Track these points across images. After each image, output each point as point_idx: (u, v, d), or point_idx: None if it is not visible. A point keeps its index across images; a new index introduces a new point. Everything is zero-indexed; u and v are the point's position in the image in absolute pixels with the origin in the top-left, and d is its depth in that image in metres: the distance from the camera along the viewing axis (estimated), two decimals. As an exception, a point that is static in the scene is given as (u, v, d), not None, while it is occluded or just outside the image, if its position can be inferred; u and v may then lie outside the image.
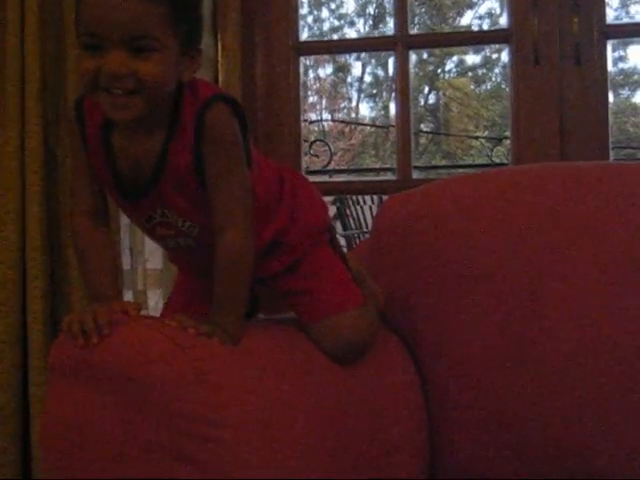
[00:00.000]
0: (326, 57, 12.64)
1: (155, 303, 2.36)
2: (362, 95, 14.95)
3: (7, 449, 2.22)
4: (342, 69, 14.64)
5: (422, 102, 13.89)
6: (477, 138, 13.37)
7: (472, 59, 14.32)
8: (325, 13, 15.27)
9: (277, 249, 1.50)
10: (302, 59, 2.56)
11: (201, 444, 1.17)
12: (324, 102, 14.64)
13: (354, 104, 15.16)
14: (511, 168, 2.28)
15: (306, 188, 1.59)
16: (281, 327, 1.53)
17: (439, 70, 14.71)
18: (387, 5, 14.32)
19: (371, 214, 6.65)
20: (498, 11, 14.36)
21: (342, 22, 15.20)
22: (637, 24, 3.95)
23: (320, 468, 1.33)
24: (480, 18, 14.94)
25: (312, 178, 2.00)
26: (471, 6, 14.83)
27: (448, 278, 1.66)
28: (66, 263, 2.27)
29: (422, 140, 12.80)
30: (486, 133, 13.99)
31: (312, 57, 11.59)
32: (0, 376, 2.20)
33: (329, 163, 7.50)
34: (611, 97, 2.40)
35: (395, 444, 1.54)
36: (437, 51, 12.12)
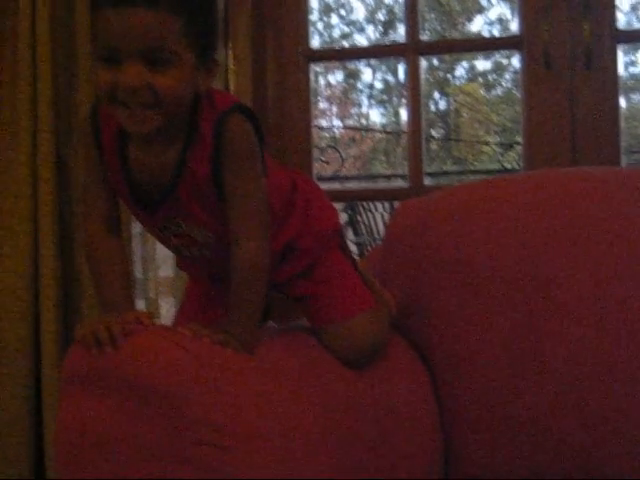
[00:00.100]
0: (336, 63, 12.64)
1: (167, 311, 2.36)
2: (372, 101, 14.95)
3: (21, 457, 2.22)
4: (352, 75, 14.65)
5: (432, 108, 13.87)
6: (488, 144, 13.34)
7: (482, 64, 14.30)
8: (335, 19, 15.27)
9: (290, 254, 1.50)
10: (312, 66, 2.56)
11: (215, 452, 1.17)
12: (334, 108, 14.64)
13: (364, 110, 15.16)
14: (522, 174, 2.27)
15: (317, 193, 1.60)
16: (294, 334, 1.54)
17: (449, 76, 14.70)
18: (397, 11, 14.31)
19: (382, 221, 6.65)
20: (508, 16, 14.35)
21: (352, 28, 15.21)
22: (648, 28, 3.94)
23: (331, 476, 1.33)
24: (490, 24, 14.93)
25: (323, 185, 2.00)
26: (481, 11, 14.82)
27: (460, 283, 1.67)
28: (78, 272, 2.27)
29: (433, 146, 12.78)
30: (497, 138, 13.98)
31: (322, 64, 11.60)
32: (13, 384, 2.21)
33: (340, 169, 7.50)
34: (622, 102, 2.39)
35: (408, 449, 1.54)
36: (447, 57, 12.11)
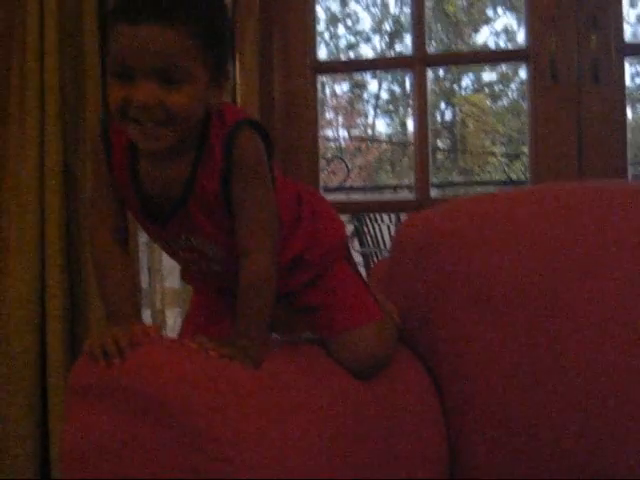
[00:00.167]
0: (343, 74, 12.67)
1: (173, 322, 2.36)
2: (378, 111, 14.96)
3: (27, 467, 2.22)
4: (358, 85, 14.66)
5: (438, 118, 13.88)
6: (494, 155, 13.34)
7: (488, 75, 14.31)
8: (341, 30, 15.29)
9: (297, 266, 1.50)
10: (319, 77, 2.56)
11: (220, 466, 1.17)
12: (340, 118, 14.65)
13: (370, 120, 15.17)
14: (529, 188, 2.27)
15: (323, 205, 1.60)
16: (300, 347, 1.54)
17: (455, 86, 14.71)
18: (403, 21, 14.33)
19: (389, 232, 6.66)
20: (514, 27, 14.36)
21: (358, 38, 15.23)
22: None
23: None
24: (496, 34, 14.94)
25: (329, 195, 2.01)
26: (487, 22, 14.83)
27: (467, 296, 1.66)
28: (85, 282, 2.27)
29: (439, 156, 12.79)
30: (502, 149, 13.98)
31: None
32: (19, 395, 2.21)
33: (346, 180, 7.50)
34: (629, 113, 2.39)
35: (413, 461, 1.54)
36: (453, 67, 12.14)
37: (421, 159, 2.46)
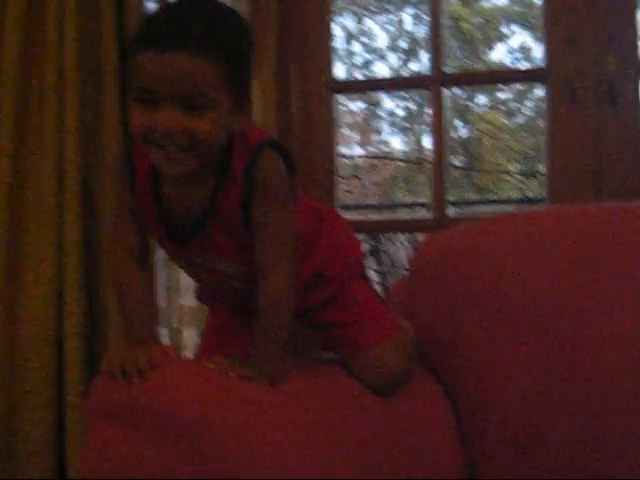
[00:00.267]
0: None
1: (190, 341, 2.36)
2: (394, 128, 14.96)
3: (43, 484, 2.22)
4: (373, 102, 14.66)
5: (453, 135, 13.87)
6: (510, 174, 13.31)
7: (503, 92, 14.30)
8: (356, 47, 15.32)
9: (317, 282, 1.51)
10: (336, 96, 2.57)
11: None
12: (355, 135, 14.66)
13: (386, 137, 15.17)
14: (547, 208, 2.27)
15: (341, 222, 1.63)
16: (318, 367, 1.55)
17: (470, 103, 14.70)
18: (419, 39, 14.33)
19: (405, 251, 6.66)
20: (530, 44, 14.34)
21: (374, 56, 15.25)
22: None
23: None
24: (512, 52, 14.93)
25: (345, 213, 2.01)
26: (502, 39, 14.84)
27: (486, 316, 1.67)
28: (103, 300, 2.28)
29: (454, 174, 12.79)
30: (517, 166, 13.95)
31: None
32: (36, 412, 2.21)
33: (362, 198, 7.50)
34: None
35: (433, 477, 1.54)
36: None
37: (438, 178, 2.46)
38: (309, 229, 1.50)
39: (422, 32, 14.39)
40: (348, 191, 7.26)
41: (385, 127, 14.86)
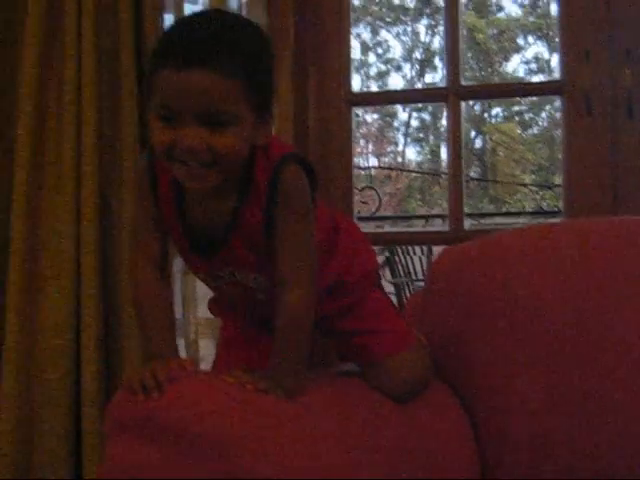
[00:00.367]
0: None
1: (207, 353, 2.36)
2: (408, 139, 14.98)
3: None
4: (389, 114, 14.68)
5: (469, 146, 13.89)
6: (526, 185, 13.31)
7: (519, 103, 14.31)
8: (372, 58, 15.35)
9: (334, 290, 1.52)
10: (354, 109, 2.57)
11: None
12: (370, 146, 14.68)
13: (400, 148, 15.19)
14: (564, 222, 2.27)
15: (358, 232, 1.64)
16: (336, 379, 1.55)
17: (485, 115, 14.71)
18: (434, 49, 14.35)
19: (420, 263, 6.66)
20: (545, 55, 14.36)
21: (389, 67, 15.28)
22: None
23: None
24: (527, 63, 14.94)
25: (362, 224, 2.02)
26: (518, 51, 14.85)
27: (504, 329, 1.67)
28: (120, 311, 2.28)
29: (470, 185, 12.80)
30: (532, 177, 13.94)
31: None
32: (53, 423, 2.21)
33: (378, 209, 7.51)
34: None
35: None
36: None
37: (455, 190, 2.45)
38: (327, 238, 1.51)
39: (437, 43, 14.43)
40: (364, 202, 7.25)
41: (400, 138, 14.89)
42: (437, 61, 14.60)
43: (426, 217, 10.78)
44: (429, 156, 15.05)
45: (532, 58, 14.85)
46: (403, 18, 15.28)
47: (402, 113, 14.83)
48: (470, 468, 1.62)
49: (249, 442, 1.19)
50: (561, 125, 2.42)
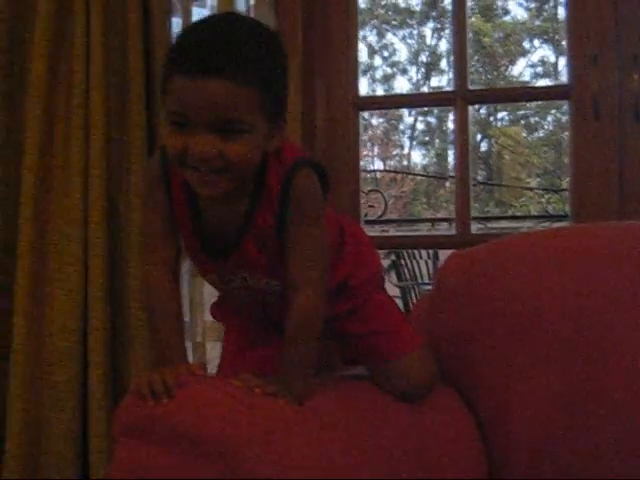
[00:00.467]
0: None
1: (214, 355, 2.36)
2: (414, 143, 14.98)
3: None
4: (394, 117, 14.68)
5: (475, 150, 13.88)
6: (532, 189, 13.30)
7: (524, 107, 14.30)
8: (378, 61, 15.35)
9: (342, 292, 1.52)
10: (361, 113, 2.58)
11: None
12: (376, 149, 14.68)
13: (406, 151, 15.19)
14: (572, 227, 2.27)
15: (363, 235, 1.64)
16: (344, 383, 1.55)
17: (491, 118, 14.70)
18: (440, 52, 14.34)
19: (427, 267, 6.66)
20: (551, 59, 14.34)
21: (395, 70, 15.28)
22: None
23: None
24: (532, 66, 14.93)
25: (368, 228, 2.03)
26: (524, 54, 14.84)
27: (510, 334, 1.67)
28: (127, 314, 2.28)
29: (475, 188, 12.80)
30: (538, 180, 13.94)
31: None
32: (61, 425, 2.22)
33: (384, 213, 7.50)
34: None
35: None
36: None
37: (462, 194, 2.45)
38: (334, 241, 1.51)
39: (443, 46, 14.43)
40: (371, 206, 7.25)
41: (405, 141, 14.89)
42: (443, 64, 14.62)
43: (432, 221, 10.78)
44: (434, 159, 15.04)
45: (538, 61, 14.85)
46: (409, 21, 15.29)
47: (408, 116, 14.83)
48: (476, 468, 1.63)
49: (256, 446, 1.19)
50: (568, 129, 2.42)
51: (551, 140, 13.88)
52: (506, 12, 14.93)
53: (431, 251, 6.59)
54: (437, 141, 14.92)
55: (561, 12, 13.99)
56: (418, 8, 15.36)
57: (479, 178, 13.49)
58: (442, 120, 14.69)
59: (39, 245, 2.28)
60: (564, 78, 2.42)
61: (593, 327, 1.61)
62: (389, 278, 6.17)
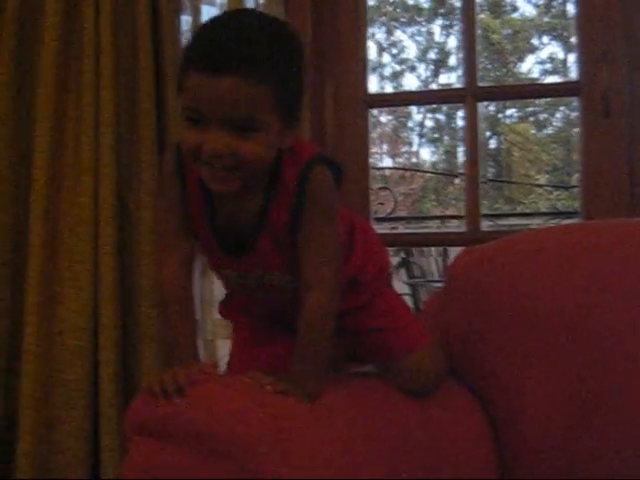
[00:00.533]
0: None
1: (224, 353, 2.36)
2: (423, 140, 14.96)
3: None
4: (403, 114, 14.66)
5: (484, 147, 13.86)
6: (541, 186, 13.28)
7: (533, 104, 14.26)
8: (387, 58, 15.33)
9: (351, 288, 1.51)
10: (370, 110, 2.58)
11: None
12: (385, 147, 14.67)
13: (415, 149, 15.17)
14: (583, 223, 2.27)
15: (371, 230, 1.65)
16: (355, 380, 1.55)
17: (500, 115, 14.67)
18: (449, 49, 14.32)
19: (436, 264, 6.65)
20: (560, 56, 14.31)
21: (403, 67, 15.26)
22: None
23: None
24: (541, 63, 14.90)
25: (378, 225, 2.03)
26: (532, 51, 14.81)
27: (523, 331, 1.66)
28: (138, 312, 2.29)
29: (484, 185, 12.78)
30: (547, 177, 13.91)
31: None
32: (72, 424, 2.22)
33: (394, 210, 7.50)
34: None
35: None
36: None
37: (472, 191, 2.45)
38: (345, 237, 1.50)
39: (452, 43, 14.41)
40: (380, 203, 7.25)
41: (414, 138, 14.87)
42: (452, 61, 14.61)
43: (442, 218, 10.77)
44: (444, 156, 15.02)
45: (547, 58, 14.81)
46: (418, 18, 15.27)
47: (416, 114, 14.81)
48: (486, 467, 1.62)
49: (267, 444, 1.19)
50: (577, 125, 2.42)
51: (560, 137, 13.85)
52: (515, 9, 14.90)
53: (441, 248, 6.58)
54: (446, 138, 14.89)
55: (570, 9, 13.93)
56: (427, 5, 15.34)
57: (488, 175, 13.46)
58: (451, 117, 14.67)
59: (50, 244, 2.28)
60: (573, 75, 2.42)
61: (604, 325, 1.60)
62: (399, 276, 6.17)
